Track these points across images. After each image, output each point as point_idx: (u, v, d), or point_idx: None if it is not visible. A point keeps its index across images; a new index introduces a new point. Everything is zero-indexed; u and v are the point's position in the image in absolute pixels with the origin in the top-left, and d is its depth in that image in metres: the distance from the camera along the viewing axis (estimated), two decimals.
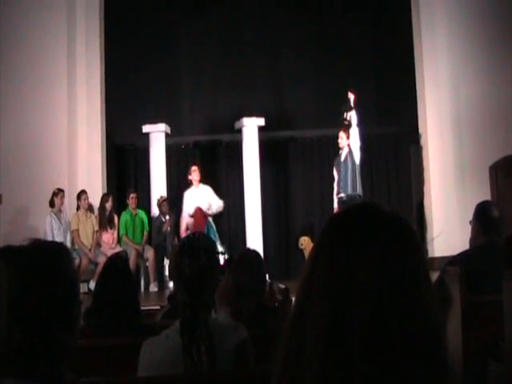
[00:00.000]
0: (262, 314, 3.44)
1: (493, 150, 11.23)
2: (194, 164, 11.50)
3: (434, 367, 1.02)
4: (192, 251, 2.67)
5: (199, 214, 10.84)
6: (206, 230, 10.64)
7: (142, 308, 3.78)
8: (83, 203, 10.57)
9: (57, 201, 10.38)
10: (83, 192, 10.62)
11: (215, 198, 11.13)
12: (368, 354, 0.98)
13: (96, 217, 10.76)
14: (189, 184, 11.23)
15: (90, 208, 10.84)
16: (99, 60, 11.66)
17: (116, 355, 3.11)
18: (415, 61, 12.21)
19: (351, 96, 10.46)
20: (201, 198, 10.99)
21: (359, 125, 10.38)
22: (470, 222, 4.63)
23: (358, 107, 10.48)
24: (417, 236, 1.08)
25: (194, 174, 11.13)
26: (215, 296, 2.90)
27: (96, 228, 10.64)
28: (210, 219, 11.10)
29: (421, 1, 12.04)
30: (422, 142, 12.11)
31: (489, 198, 10.76)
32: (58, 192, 10.39)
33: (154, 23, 12.58)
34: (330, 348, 1.00)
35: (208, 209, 10.94)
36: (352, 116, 10.38)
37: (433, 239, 11.41)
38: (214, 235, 10.76)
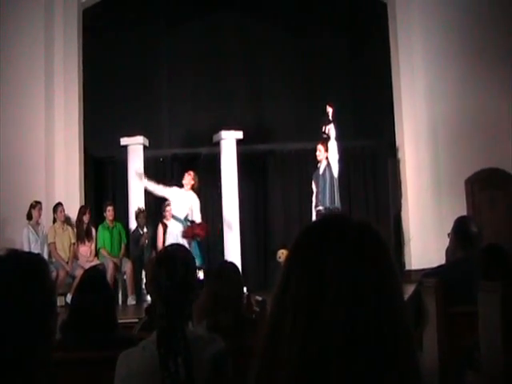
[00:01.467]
0: (240, 325, 3.44)
1: (468, 164, 11.35)
2: (191, 169, 11.04)
3: (407, 365, 1.04)
4: (169, 263, 2.67)
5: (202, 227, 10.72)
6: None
7: (119, 321, 3.77)
8: (59, 215, 10.50)
9: (34, 213, 10.31)
10: (59, 204, 10.55)
11: (197, 210, 10.89)
12: (342, 356, 1.01)
13: (73, 229, 10.69)
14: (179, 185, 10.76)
15: (67, 220, 10.77)
16: (77, 72, 11.62)
17: (92, 368, 3.09)
18: (392, 75, 12.32)
19: (330, 110, 10.51)
20: (183, 201, 10.68)
21: (337, 138, 10.44)
22: (449, 235, 4.68)
23: (336, 121, 10.54)
24: (384, 240, 1.11)
25: (188, 178, 10.64)
26: (193, 310, 2.90)
27: (73, 240, 10.57)
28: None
29: (398, 16, 12.17)
30: (399, 155, 12.20)
31: (464, 210, 10.87)
32: (36, 204, 10.31)
33: (133, 36, 12.60)
34: (304, 350, 1.02)
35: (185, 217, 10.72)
36: (330, 129, 10.44)
37: (409, 239, 11.52)
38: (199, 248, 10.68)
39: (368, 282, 1.05)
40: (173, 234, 10.56)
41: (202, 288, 3.68)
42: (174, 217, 10.68)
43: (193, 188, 10.75)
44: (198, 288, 2.91)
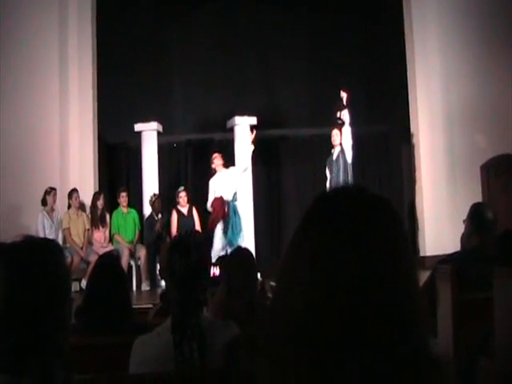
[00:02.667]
0: (253, 312, 3.44)
1: (484, 150, 11.27)
2: (214, 151, 11.29)
3: (411, 334, 1.05)
4: (183, 249, 2.67)
5: (218, 202, 10.79)
6: (228, 218, 10.67)
7: (133, 306, 3.78)
8: (74, 202, 10.55)
9: (49, 199, 10.36)
10: (74, 190, 10.60)
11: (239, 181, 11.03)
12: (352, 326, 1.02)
13: (87, 215, 10.74)
14: (212, 173, 11.02)
15: (82, 206, 10.82)
16: (91, 58, 11.64)
17: (107, 353, 3.10)
18: (407, 60, 12.24)
19: (344, 95, 10.45)
20: (226, 183, 10.84)
21: (351, 124, 10.40)
22: (464, 222, 4.65)
23: (350, 106, 10.49)
24: (398, 215, 1.12)
25: (216, 160, 10.90)
26: (210, 305, 2.89)
27: (87, 226, 10.62)
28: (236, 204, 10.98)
29: (412, 1, 12.06)
30: (414, 141, 12.14)
31: (480, 197, 10.81)
32: (51, 190, 10.36)
33: (145, 21, 12.58)
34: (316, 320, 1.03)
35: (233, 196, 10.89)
36: (345, 115, 10.39)
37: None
38: (239, 223, 10.78)
39: (379, 252, 1.05)
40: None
41: (219, 284, 3.68)
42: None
43: (225, 166, 10.95)
44: (213, 283, 2.91)
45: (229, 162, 11.44)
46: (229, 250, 10.30)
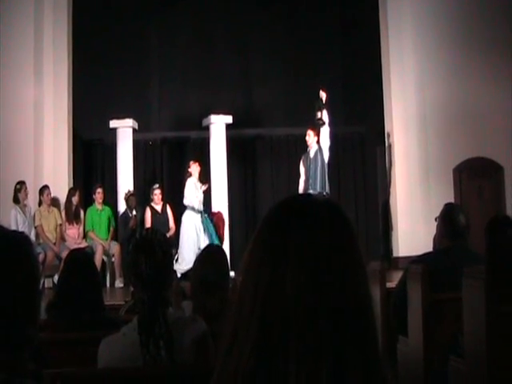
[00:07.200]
0: (225, 309, 3.45)
1: (457, 153, 11.37)
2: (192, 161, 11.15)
3: (362, 332, 1.06)
4: (147, 248, 2.67)
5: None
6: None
7: (107, 303, 3.77)
8: (46, 198, 10.44)
9: (21, 196, 10.22)
10: (45, 187, 10.49)
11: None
12: (302, 323, 1.03)
13: (59, 210, 10.64)
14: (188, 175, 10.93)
15: (54, 202, 10.72)
16: (67, 53, 11.54)
17: (78, 349, 3.10)
18: (382, 62, 12.28)
19: (323, 94, 10.44)
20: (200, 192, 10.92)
21: (329, 124, 10.42)
22: (436, 219, 4.68)
23: (328, 106, 10.52)
24: (345, 215, 1.13)
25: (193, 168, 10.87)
26: (171, 294, 2.90)
27: (59, 221, 10.52)
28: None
29: (388, 3, 12.12)
30: (388, 142, 12.20)
31: (452, 199, 10.91)
32: (21, 186, 10.20)
33: (123, 18, 12.53)
34: (263, 321, 1.04)
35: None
36: (324, 115, 10.39)
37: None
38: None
39: (327, 251, 1.06)
40: (190, 224, 10.73)
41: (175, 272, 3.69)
42: (190, 208, 10.77)
43: (200, 180, 10.93)
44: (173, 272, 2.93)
45: (204, 160, 11.41)
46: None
